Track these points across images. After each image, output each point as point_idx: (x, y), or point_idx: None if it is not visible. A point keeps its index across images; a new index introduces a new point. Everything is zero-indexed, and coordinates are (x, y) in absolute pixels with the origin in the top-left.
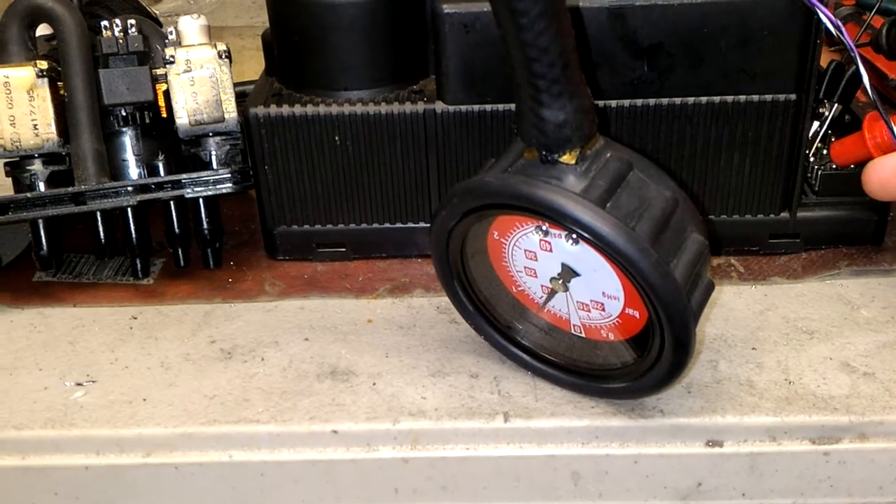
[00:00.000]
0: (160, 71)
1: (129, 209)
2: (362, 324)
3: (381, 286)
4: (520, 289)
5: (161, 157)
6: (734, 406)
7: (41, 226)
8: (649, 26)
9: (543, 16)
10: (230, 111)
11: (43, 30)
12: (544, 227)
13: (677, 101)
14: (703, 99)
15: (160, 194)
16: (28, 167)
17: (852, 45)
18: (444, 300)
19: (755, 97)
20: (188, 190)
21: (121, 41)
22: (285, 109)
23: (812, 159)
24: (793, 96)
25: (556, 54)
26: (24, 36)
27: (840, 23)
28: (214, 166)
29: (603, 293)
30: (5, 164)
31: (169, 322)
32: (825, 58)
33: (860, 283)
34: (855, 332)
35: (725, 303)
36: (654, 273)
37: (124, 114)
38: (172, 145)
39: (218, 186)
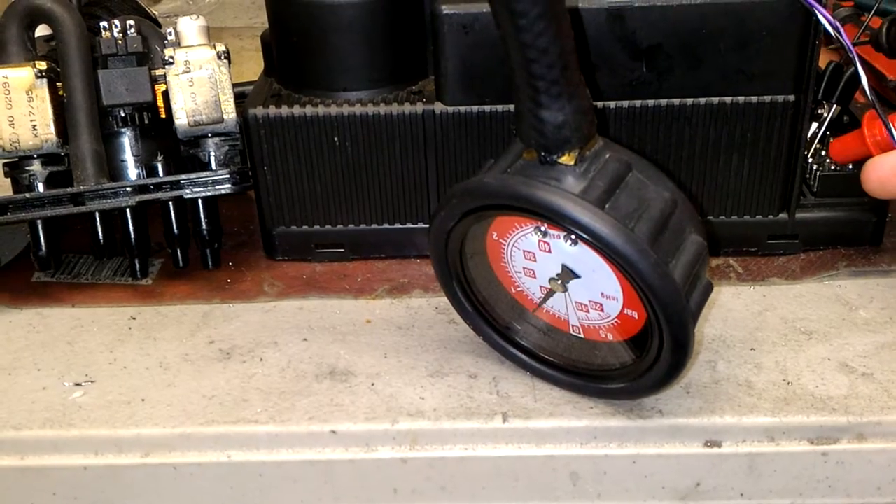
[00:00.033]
0: (159, 72)
1: (127, 210)
2: (361, 324)
3: (379, 287)
4: (519, 289)
5: (160, 158)
6: (733, 406)
7: (40, 226)
8: (648, 27)
9: (543, 17)
10: (229, 112)
11: (42, 30)
12: (543, 228)
13: (676, 102)
14: (702, 100)
15: (159, 195)
16: (27, 168)
17: (851, 46)
18: (443, 301)
19: (754, 98)
20: (187, 190)
21: (120, 42)
22: (284, 110)
23: (811, 160)
24: (791, 97)
25: (556, 55)
26: (24, 36)
27: (839, 24)
28: (213, 167)
29: (602, 294)
30: (4, 165)
31: (168, 322)
32: (824, 58)
33: (858, 283)
34: (853, 333)
35: (724, 303)
36: (652, 274)
37: (123, 114)
38: (171, 146)
39: (217, 187)
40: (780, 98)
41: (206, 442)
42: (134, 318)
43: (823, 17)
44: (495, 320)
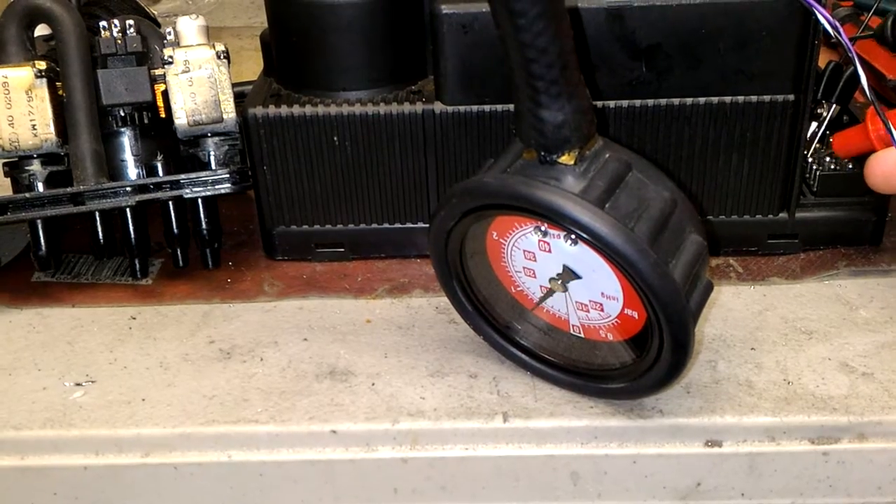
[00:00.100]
0: (159, 71)
1: (127, 209)
2: (361, 324)
3: (379, 286)
4: (519, 289)
5: (159, 158)
6: (733, 406)
7: (40, 226)
8: (647, 27)
9: (542, 17)
10: (229, 111)
11: (41, 30)
12: (543, 228)
13: (676, 101)
14: (702, 100)
15: (159, 195)
16: (27, 167)
17: (850, 45)
18: (443, 300)
19: (753, 98)
20: (187, 190)
21: (119, 42)
22: (284, 110)
23: (810, 160)
24: (791, 97)
25: (555, 55)
26: (23, 36)
27: (838, 23)
28: (213, 167)
29: (602, 294)
30: (4, 165)
31: (168, 322)
32: (823, 58)
33: (859, 283)
34: (853, 333)
35: (724, 303)
36: (652, 274)
37: (123, 114)
38: (171, 146)
39: (216, 187)
40: (780, 98)
41: (207, 442)
42: (134, 318)
43: (823, 17)
44: (495, 320)
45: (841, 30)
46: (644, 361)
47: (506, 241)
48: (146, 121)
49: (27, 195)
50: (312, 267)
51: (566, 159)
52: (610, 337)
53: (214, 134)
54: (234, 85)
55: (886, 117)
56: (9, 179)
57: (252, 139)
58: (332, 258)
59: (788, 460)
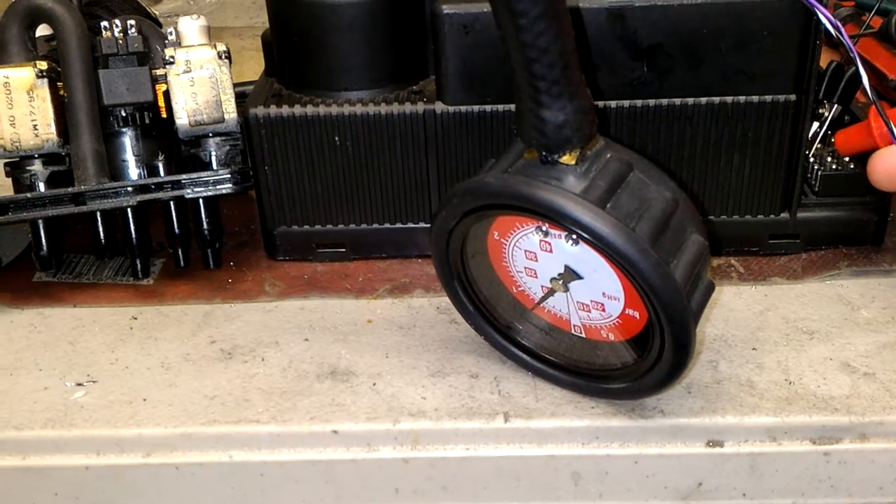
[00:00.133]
0: (160, 71)
1: (128, 209)
2: (362, 324)
3: (381, 286)
4: (520, 289)
5: (161, 158)
6: (734, 406)
7: (41, 226)
8: (649, 27)
9: (543, 17)
10: (230, 112)
11: (43, 30)
12: (544, 228)
13: (677, 101)
14: (703, 100)
15: (160, 195)
16: (28, 167)
17: (852, 45)
18: (444, 300)
19: (755, 98)
20: (188, 190)
21: (120, 42)
22: (285, 110)
23: (812, 160)
24: (792, 97)
25: (556, 55)
26: (24, 36)
27: (839, 23)
28: (214, 167)
29: (603, 294)
30: (5, 165)
31: (169, 322)
32: (825, 58)
33: (860, 283)
34: (855, 333)
35: (725, 303)
36: (654, 274)
37: (124, 114)
38: (172, 146)
39: (218, 187)
40: (781, 98)
41: (208, 442)
42: (135, 318)
43: (824, 17)
44: (497, 320)
45: (842, 29)
46: (645, 361)
47: (507, 241)
48: (147, 121)
49: (28, 195)
50: (314, 267)
51: (567, 159)
52: (611, 337)
53: (216, 134)
54: (235, 85)
55: (888, 116)
56: (10, 179)
57: (253, 139)
58: (334, 258)
59: (790, 460)
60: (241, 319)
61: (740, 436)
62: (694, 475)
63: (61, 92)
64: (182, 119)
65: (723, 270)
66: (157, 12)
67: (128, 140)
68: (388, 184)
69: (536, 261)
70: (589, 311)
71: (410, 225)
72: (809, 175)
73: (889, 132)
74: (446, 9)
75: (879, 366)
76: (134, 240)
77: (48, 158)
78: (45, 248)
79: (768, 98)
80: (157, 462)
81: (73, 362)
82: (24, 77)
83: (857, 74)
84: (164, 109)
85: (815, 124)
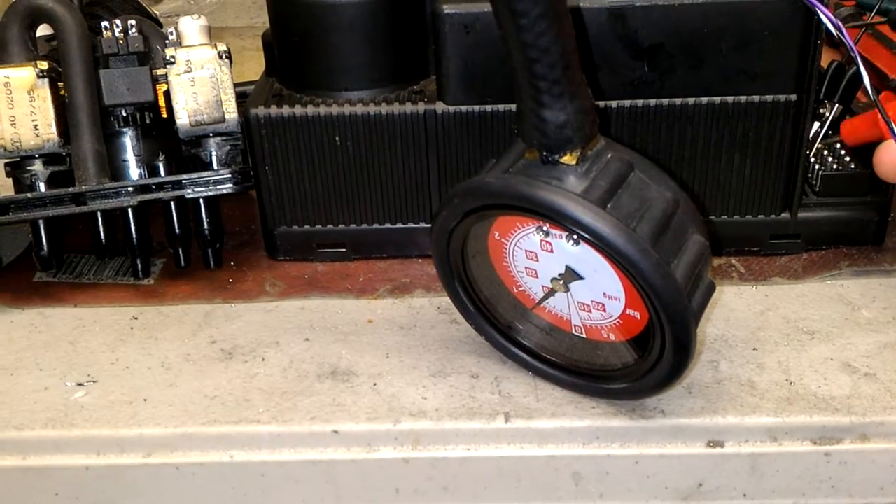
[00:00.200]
0: (160, 71)
1: (129, 209)
2: (363, 324)
3: (381, 286)
4: (521, 289)
5: (161, 158)
6: (735, 406)
7: (42, 226)
8: (650, 27)
9: (544, 17)
10: (230, 112)
11: (43, 30)
12: (545, 228)
13: (678, 101)
14: (704, 99)
15: (160, 195)
16: (28, 167)
17: (853, 45)
18: (445, 300)
19: (756, 98)
20: (188, 190)
21: (121, 42)
22: (286, 110)
23: (813, 159)
24: (793, 97)
25: (557, 55)
26: (25, 36)
27: (840, 23)
28: (215, 167)
29: (604, 294)
30: (6, 165)
31: (169, 322)
32: (826, 57)
33: (861, 283)
34: (856, 333)
35: (726, 303)
36: (654, 274)
37: (125, 114)
38: (173, 146)
39: (218, 187)
40: (782, 97)
41: (208, 442)
42: (136, 318)
43: (825, 17)
44: (497, 320)
45: (843, 29)
46: (646, 362)
47: (508, 241)
48: (148, 121)
49: (29, 195)
50: (314, 267)
51: (568, 159)
52: (612, 337)
53: (216, 134)
54: (235, 85)
55: (891, 108)
56: (11, 179)
57: (254, 139)
58: (334, 258)
59: (790, 461)
60: (241, 319)
61: (741, 436)
62: (694, 475)
63: (62, 92)
64: (182, 119)
65: (723, 270)
66: (157, 12)
67: (128, 140)
68: (389, 184)
69: (537, 261)
70: (590, 311)
71: (411, 225)
72: (810, 175)
73: (891, 132)
74: (447, 8)
75: (880, 366)
76: (134, 240)
77: (49, 158)
78: (45, 248)
79: (769, 98)
80: (157, 462)
81: (74, 362)
82: (24, 77)
83: (858, 74)
84: (164, 109)
85: (816, 124)
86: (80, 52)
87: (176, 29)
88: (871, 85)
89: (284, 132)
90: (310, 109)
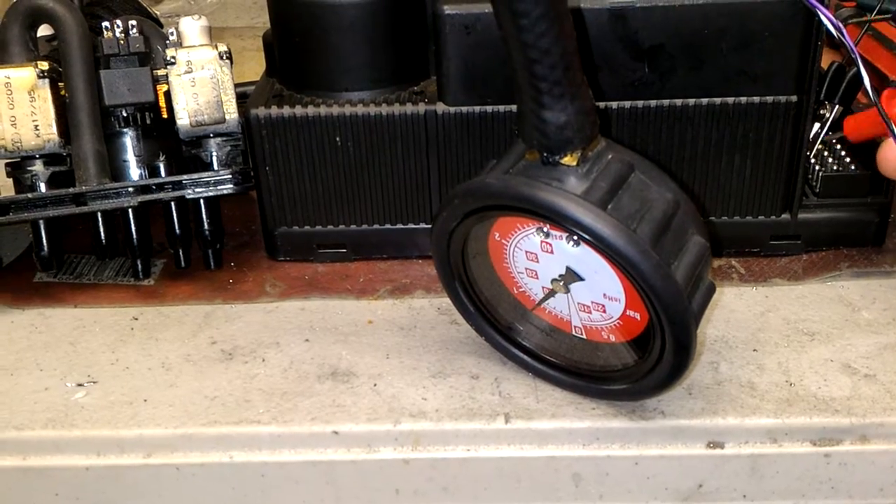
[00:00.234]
0: (161, 72)
1: (129, 210)
2: (363, 325)
3: (381, 287)
4: (521, 290)
5: (162, 158)
6: (735, 407)
7: (42, 226)
8: (650, 28)
9: (545, 17)
10: (231, 112)
11: (44, 30)
12: (545, 229)
13: (678, 102)
14: (704, 100)
15: (161, 195)
16: (29, 168)
17: (853, 46)
18: (445, 301)
19: (756, 99)
20: (189, 191)
21: (122, 42)
22: (286, 110)
23: (813, 161)
24: (794, 98)
25: (558, 56)
26: (25, 36)
27: (841, 24)
28: (215, 167)
29: (604, 295)
30: (6, 165)
31: (170, 323)
32: (826, 58)
33: (861, 284)
34: (856, 334)
35: (726, 304)
36: (654, 275)
37: (125, 114)
38: (173, 146)
39: (219, 187)
40: (783, 98)
41: (209, 442)
42: (136, 319)
43: (825, 18)
44: (497, 321)
45: (844, 30)
46: (646, 363)
47: (508, 242)
48: (148, 121)
49: (29, 195)
50: (314, 268)
51: (569, 160)
52: (612, 338)
53: (217, 134)
54: (236, 85)
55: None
56: (11, 180)
57: (254, 140)
58: (334, 259)
59: (790, 462)
60: (241, 320)
61: (741, 437)
62: (694, 476)
63: (62, 92)
64: (183, 119)
65: (724, 271)
66: (158, 12)
67: (129, 140)
68: (389, 184)
69: (537, 262)
70: (590, 312)
71: (411, 226)
72: (810, 176)
73: (891, 132)
74: (448, 9)
75: (880, 367)
76: (135, 240)
77: (49, 159)
78: (45, 248)
79: (769, 99)
80: (157, 463)
81: (74, 363)
82: (25, 77)
83: (858, 75)
84: (165, 110)
85: (816, 125)
86: (80, 52)
87: (176, 29)
88: (872, 86)
89: (285, 133)
90: (310, 110)
